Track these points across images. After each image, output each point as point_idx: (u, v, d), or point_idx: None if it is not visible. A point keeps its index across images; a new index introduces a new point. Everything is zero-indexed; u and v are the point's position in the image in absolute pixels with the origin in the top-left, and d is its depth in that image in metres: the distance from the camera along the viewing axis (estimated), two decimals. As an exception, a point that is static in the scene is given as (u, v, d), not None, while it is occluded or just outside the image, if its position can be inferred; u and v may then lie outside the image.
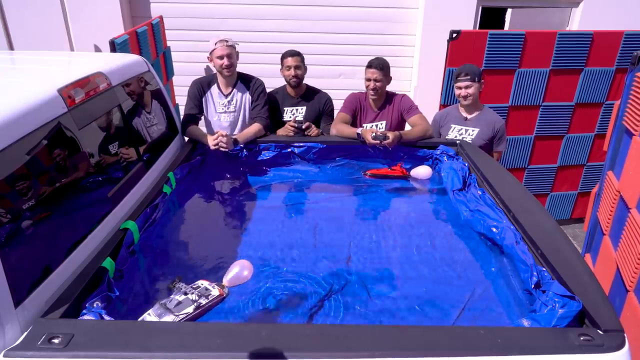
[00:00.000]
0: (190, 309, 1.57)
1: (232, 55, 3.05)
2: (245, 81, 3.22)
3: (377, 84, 3.06)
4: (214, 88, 3.18)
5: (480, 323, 1.63)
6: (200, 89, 3.17)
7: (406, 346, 1.28)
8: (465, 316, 1.66)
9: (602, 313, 1.38)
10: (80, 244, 1.69)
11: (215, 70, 3.16)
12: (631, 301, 2.14)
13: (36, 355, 1.23)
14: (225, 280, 1.73)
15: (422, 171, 2.85)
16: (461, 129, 3.15)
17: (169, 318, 1.52)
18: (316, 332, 1.37)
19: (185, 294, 1.63)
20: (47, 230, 1.58)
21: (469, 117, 3.15)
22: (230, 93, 3.18)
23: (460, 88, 3.05)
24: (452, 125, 3.18)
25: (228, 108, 3.20)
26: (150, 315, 1.53)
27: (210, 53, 3.07)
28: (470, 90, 3.03)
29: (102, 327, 1.36)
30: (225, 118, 3.22)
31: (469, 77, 3.00)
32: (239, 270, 1.76)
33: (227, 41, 3.04)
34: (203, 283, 1.69)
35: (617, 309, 2.25)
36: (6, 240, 1.37)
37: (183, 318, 1.54)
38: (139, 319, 1.53)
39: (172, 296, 1.62)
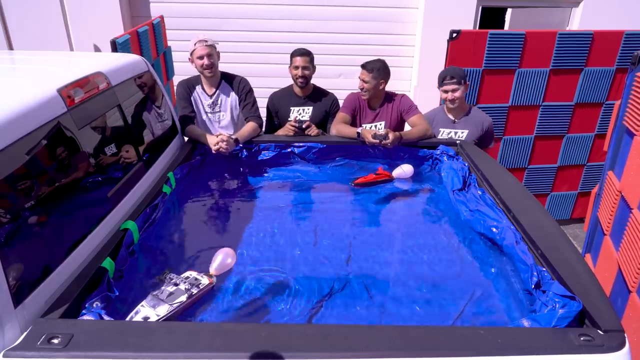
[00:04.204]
0: (183, 298, 1.61)
1: (212, 54, 3.02)
2: (229, 80, 3.21)
3: (365, 84, 3.08)
4: (199, 88, 3.18)
5: (480, 323, 1.63)
6: (187, 89, 3.17)
7: (406, 346, 1.28)
8: (465, 316, 1.66)
9: (603, 313, 1.38)
10: (80, 244, 1.69)
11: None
12: (634, 302, 2.13)
13: (36, 355, 1.23)
14: (212, 270, 1.78)
15: (402, 170, 2.82)
16: (450, 132, 3.14)
17: (163, 308, 1.54)
18: (316, 332, 1.37)
19: (176, 284, 1.67)
20: (47, 230, 1.58)
21: (456, 120, 3.14)
22: (214, 94, 3.17)
23: (447, 92, 3.04)
24: (440, 129, 3.17)
25: (214, 109, 3.20)
26: (144, 307, 1.55)
27: (191, 54, 3.04)
28: (457, 94, 3.01)
29: (102, 327, 1.36)
30: (213, 118, 3.22)
31: (455, 81, 2.99)
32: (223, 258, 1.82)
33: (206, 41, 3.00)
34: (192, 273, 1.75)
35: (619, 309, 2.24)
36: (6, 240, 1.37)
37: (177, 307, 1.58)
38: (133, 311, 1.54)
39: (163, 287, 1.65)
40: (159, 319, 1.51)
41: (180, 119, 3.08)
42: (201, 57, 3.00)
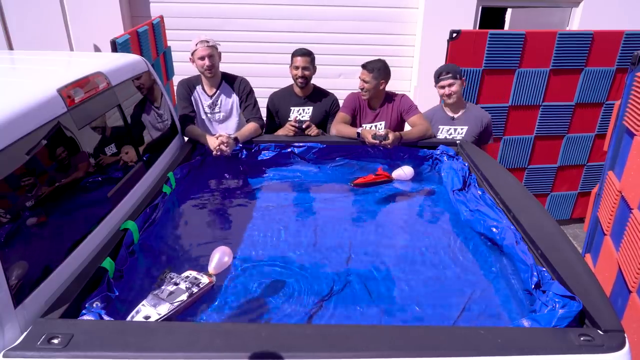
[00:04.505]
0: (184, 297, 1.62)
1: (213, 55, 3.02)
2: (230, 81, 3.20)
3: (365, 84, 3.09)
4: (199, 88, 3.18)
5: (480, 323, 1.63)
6: (187, 88, 3.17)
7: (406, 346, 1.28)
8: (465, 316, 1.66)
9: (603, 313, 1.38)
10: (80, 244, 1.69)
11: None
12: (634, 302, 2.13)
13: (36, 355, 1.23)
14: (211, 269, 1.79)
15: (402, 172, 2.82)
16: (450, 128, 3.15)
17: (164, 307, 1.55)
18: (316, 332, 1.37)
19: (177, 284, 1.69)
20: (47, 230, 1.58)
21: (455, 116, 3.16)
22: (214, 94, 3.17)
23: (443, 87, 3.06)
24: (439, 126, 3.18)
25: (213, 109, 3.20)
26: (145, 306, 1.56)
27: (192, 54, 3.04)
28: (453, 88, 3.03)
29: (102, 327, 1.36)
30: (212, 118, 3.22)
31: (450, 75, 3.02)
32: (220, 257, 1.83)
33: (207, 42, 3.00)
34: (192, 273, 1.76)
35: (619, 309, 2.24)
36: (6, 240, 1.37)
37: (178, 305, 1.58)
38: (134, 310, 1.54)
39: (163, 287, 1.66)
40: (160, 318, 1.51)
41: (180, 119, 3.08)
42: (202, 58, 2.99)
